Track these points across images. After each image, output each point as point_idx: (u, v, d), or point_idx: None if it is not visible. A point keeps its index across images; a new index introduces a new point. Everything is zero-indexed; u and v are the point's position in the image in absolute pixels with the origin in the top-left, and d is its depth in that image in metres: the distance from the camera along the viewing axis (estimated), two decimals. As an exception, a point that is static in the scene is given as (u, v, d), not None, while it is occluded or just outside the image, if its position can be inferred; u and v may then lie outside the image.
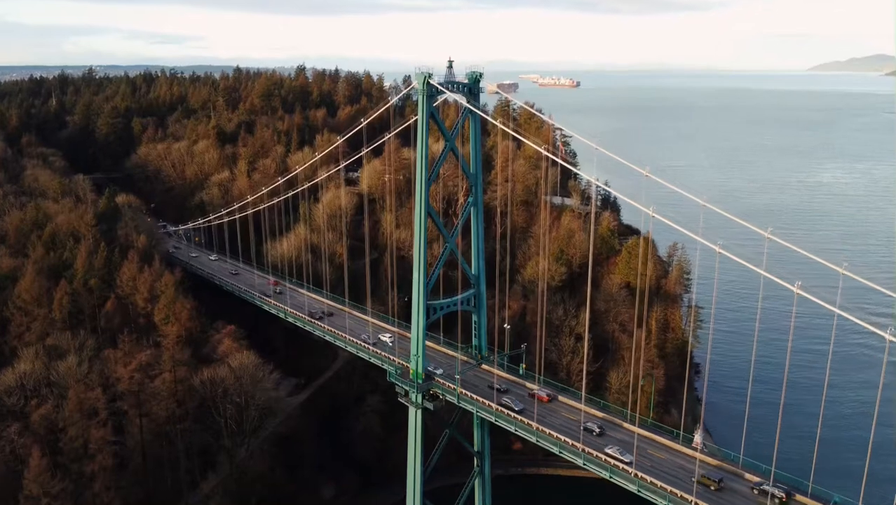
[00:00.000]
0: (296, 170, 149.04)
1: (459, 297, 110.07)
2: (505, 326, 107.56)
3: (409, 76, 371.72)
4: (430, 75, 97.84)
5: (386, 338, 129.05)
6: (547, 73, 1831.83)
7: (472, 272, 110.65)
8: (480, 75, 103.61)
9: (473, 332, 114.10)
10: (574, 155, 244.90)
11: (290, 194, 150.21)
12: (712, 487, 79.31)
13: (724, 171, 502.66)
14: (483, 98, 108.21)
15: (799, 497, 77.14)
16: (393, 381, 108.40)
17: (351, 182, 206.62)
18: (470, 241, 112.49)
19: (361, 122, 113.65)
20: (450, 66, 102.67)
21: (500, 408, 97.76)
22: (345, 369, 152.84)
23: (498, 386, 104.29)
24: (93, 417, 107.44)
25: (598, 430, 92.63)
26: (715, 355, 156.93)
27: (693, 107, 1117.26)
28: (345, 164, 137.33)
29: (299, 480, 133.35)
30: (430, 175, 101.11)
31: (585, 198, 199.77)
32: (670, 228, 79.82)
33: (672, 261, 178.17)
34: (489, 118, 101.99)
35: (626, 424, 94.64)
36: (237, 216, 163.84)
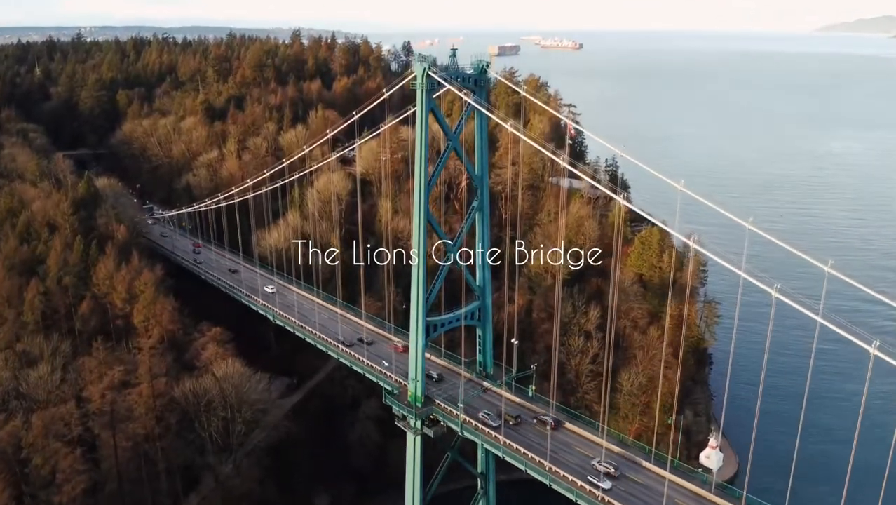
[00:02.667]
0: (284, 162, 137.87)
1: (463, 310, 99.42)
2: (513, 341, 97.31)
3: (409, 41, 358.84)
4: (430, 66, 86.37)
5: (269, 289, 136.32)
6: (549, 35, 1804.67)
7: (477, 283, 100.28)
8: (487, 65, 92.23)
9: (478, 347, 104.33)
10: (581, 133, 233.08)
11: (279, 184, 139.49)
12: (511, 423, 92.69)
13: (732, 140, 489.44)
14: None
15: (568, 425, 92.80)
16: (389, 403, 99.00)
17: (346, 161, 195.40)
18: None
19: (354, 116, 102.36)
20: (453, 55, 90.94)
21: (508, 442, 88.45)
22: (339, 372, 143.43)
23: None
24: (61, 439, 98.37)
25: (613, 470, 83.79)
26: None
27: (697, 71, 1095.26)
28: (338, 154, 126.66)
29: (291, 490, 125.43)
30: (429, 179, 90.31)
31: (595, 180, 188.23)
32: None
33: (688, 252, 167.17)
34: (496, 118, 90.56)
35: (645, 464, 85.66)
36: (223, 204, 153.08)
